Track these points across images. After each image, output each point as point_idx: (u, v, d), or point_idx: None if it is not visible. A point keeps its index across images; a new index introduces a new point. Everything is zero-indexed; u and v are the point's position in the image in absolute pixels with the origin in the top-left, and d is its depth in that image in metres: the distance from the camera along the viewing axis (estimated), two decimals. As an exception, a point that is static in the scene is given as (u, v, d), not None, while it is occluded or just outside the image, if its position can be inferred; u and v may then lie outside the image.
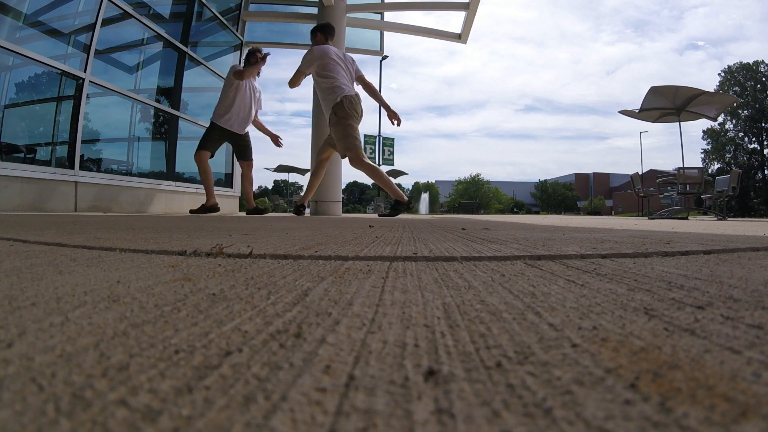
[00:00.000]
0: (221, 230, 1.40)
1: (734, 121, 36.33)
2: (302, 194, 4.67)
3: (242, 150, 4.77)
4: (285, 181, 33.48)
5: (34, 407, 0.19)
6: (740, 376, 0.22)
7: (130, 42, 5.41)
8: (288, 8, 7.92)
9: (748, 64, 35.76)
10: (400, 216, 4.26)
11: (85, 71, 4.43)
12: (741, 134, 36.21)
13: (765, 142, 35.36)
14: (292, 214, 4.60)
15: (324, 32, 4.18)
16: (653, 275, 0.55)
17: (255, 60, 4.54)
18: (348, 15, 6.63)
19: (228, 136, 4.62)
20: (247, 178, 4.88)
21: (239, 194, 7.44)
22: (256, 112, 4.92)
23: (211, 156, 4.55)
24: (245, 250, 0.78)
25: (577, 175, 66.60)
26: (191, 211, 4.52)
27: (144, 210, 5.28)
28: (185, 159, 4.28)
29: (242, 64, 4.93)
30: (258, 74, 4.76)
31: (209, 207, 4.54)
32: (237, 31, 7.41)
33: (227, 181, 7.22)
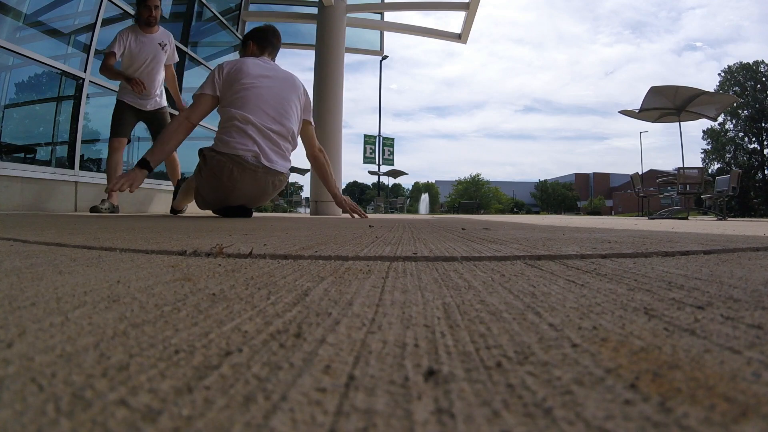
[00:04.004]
0: (221, 230, 1.40)
1: (734, 121, 36.34)
2: None
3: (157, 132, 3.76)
4: (285, 181, 33.38)
5: (34, 407, 0.19)
6: (740, 376, 0.22)
7: (130, 42, 5.39)
8: (288, 8, 7.93)
9: (748, 64, 35.78)
10: (400, 216, 4.19)
11: (85, 71, 4.43)
12: (741, 134, 36.22)
13: (765, 142, 35.35)
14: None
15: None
16: (653, 275, 0.55)
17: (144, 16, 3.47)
18: (348, 15, 6.63)
19: (136, 114, 3.71)
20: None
21: None
22: (169, 73, 3.87)
23: (128, 141, 3.71)
24: (245, 250, 0.78)
25: (577, 175, 66.60)
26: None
27: (144, 210, 5.28)
28: (185, 159, 4.22)
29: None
30: (152, 20, 3.57)
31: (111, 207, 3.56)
32: (237, 31, 7.41)
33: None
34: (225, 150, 2.73)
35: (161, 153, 2.68)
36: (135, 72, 3.58)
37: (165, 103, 3.90)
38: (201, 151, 2.87)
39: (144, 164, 2.59)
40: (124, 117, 3.66)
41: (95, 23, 4.50)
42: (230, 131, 2.74)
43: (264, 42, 3.10)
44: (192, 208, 4.23)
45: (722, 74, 36.74)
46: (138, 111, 3.71)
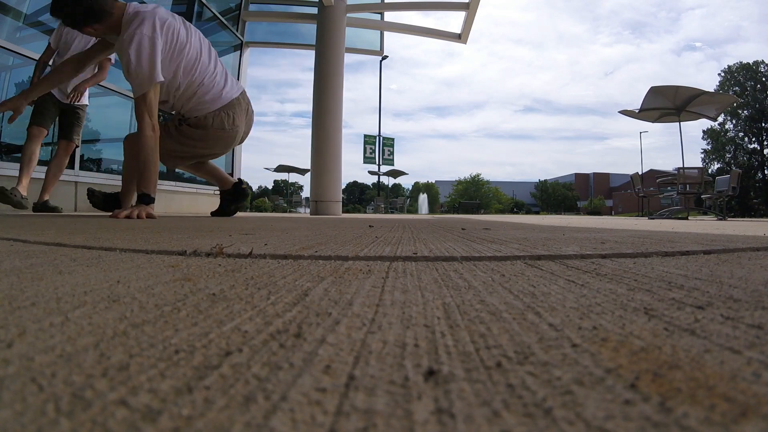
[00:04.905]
0: (221, 230, 1.40)
1: (734, 121, 36.35)
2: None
3: (67, 126, 3.54)
4: (285, 181, 33.52)
5: (34, 407, 0.19)
6: (740, 376, 0.22)
7: (130, 42, 5.39)
8: (288, 8, 7.93)
9: (748, 64, 35.77)
10: (401, 216, 4.18)
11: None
12: (741, 134, 36.23)
13: (765, 142, 35.37)
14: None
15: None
16: (653, 275, 0.55)
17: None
18: (348, 15, 6.63)
19: (57, 107, 3.47)
20: (59, 159, 3.59)
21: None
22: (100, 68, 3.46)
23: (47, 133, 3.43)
24: (245, 250, 0.78)
25: (577, 175, 66.62)
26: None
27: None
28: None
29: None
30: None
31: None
32: (237, 31, 7.40)
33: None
34: (211, 111, 2.80)
35: (155, 176, 2.43)
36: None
37: (87, 101, 3.66)
38: (184, 122, 2.84)
39: (146, 200, 2.36)
40: (47, 107, 3.38)
41: (95, 23, 4.49)
42: (201, 109, 2.79)
43: (87, 17, 2.33)
44: (188, 210, 4.22)
45: (722, 74, 36.74)
46: (59, 104, 3.49)
